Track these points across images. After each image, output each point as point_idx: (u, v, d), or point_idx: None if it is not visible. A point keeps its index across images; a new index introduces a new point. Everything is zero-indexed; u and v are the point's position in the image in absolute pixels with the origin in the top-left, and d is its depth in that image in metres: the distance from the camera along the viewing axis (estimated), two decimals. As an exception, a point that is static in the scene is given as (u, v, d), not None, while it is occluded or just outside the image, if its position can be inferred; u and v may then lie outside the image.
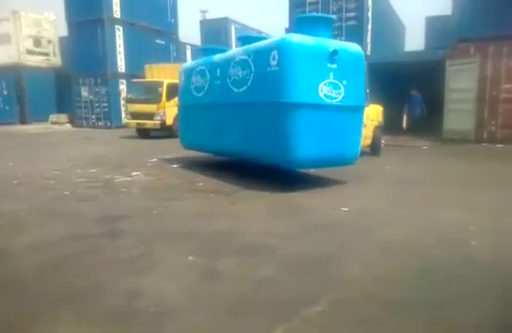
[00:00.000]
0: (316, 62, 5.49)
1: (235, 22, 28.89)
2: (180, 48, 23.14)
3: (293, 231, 4.08)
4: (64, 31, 21.13)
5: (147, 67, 16.43)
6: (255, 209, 4.98)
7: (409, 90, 14.82)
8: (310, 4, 14.43)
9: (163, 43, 21.41)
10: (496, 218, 4.46)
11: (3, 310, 2.62)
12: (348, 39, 13.66)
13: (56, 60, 23.70)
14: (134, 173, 7.33)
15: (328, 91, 5.58)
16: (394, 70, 13.30)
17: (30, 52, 22.39)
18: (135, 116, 14.49)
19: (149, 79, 15.83)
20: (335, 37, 13.76)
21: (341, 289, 2.87)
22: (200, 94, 7.53)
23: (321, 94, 5.52)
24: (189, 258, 3.40)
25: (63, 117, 22.04)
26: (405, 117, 15.41)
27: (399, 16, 21.54)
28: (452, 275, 3.08)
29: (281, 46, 5.51)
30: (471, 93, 11.16)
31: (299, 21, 6.12)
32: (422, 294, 2.78)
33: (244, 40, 7.21)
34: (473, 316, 2.51)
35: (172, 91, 14.07)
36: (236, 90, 6.41)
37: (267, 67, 5.67)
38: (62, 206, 5.12)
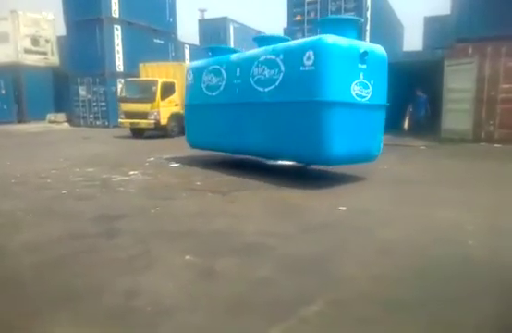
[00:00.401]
0: (349, 62, 5.74)
1: (233, 22, 28.89)
2: (179, 47, 23.08)
3: (291, 231, 4.08)
4: (62, 31, 21.12)
5: (141, 65, 16.18)
6: (253, 208, 4.97)
7: (415, 90, 14.66)
8: (308, 3, 14.40)
9: (161, 42, 21.36)
10: (494, 218, 4.45)
11: (1, 309, 2.61)
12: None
13: (54, 59, 23.67)
14: (132, 172, 7.31)
15: (359, 90, 5.84)
16: (393, 71, 13.27)
17: (28, 51, 22.35)
18: (128, 115, 14.16)
19: (143, 77, 15.60)
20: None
21: (339, 288, 2.86)
22: (213, 93, 7.55)
23: (353, 93, 5.77)
24: (187, 257, 3.39)
25: (61, 117, 22.01)
26: (406, 118, 15.23)
27: (398, 15, 21.54)
28: (450, 274, 3.08)
29: (317, 46, 5.69)
30: (469, 93, 11.16)
31: (325, 22, 6.45)
32: (420, 294, 2.78)
33: (260, 40, 7.42)
34: (471, 316, 2.51)
35: (166, 90, 13.99)
36: (261, 89, 6.53)
37: (300, 67, 5.84)
38: (59, 205, 5.11)
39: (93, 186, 6.21)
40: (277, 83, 6.24)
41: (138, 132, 14.48)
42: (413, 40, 26.75)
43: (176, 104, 14.44)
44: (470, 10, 11.41)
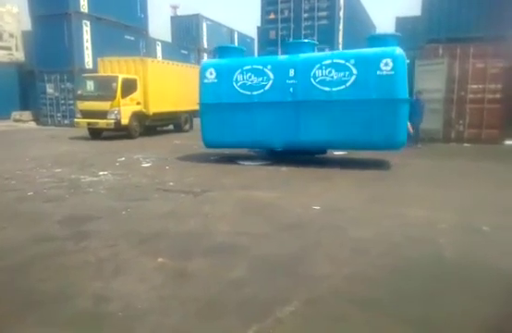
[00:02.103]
0: (406, 68, 7.38)
1: (206, 19, 28.65)
2: (150, 44, 22.70)
3: (265, 231, 4.05)
4: (28, 25, 20.37)
5: (99, 60, 14.90)
6: (226, 209, 4.91)
7: (414, 92, 12.37)
8: (282, 2, 14.38)
9: (132, 38, 20.92)
10: (463, 216, 4.56)
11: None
12: (320, 38, 13.89)
13: (19, 55, 22.83)
14: (101, 173, 7.12)
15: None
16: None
17: (-10, 46, 21.49)
18: (86, 114, 13.03)
19: (101, 73, 14.27)
20: (306, 36, 13.93)
21: (314, 288, 2.85)
22: (254, 92, 7.97)
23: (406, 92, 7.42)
24: (159, 260, 3.31)
25: (26, 115, 21.24)
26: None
27: (370, 15, 21.86)
28: (422, 273, 3.12)
29: (394, 55, 7.16)
30: (440, 93, 11.41)
31: (373, 39, 7.89)
32: (393, 292, 2.81)
33: (291, 45, 8.79)
34: (443, 313, 2.55)
35: (128, 87, 13.04)
36: (327, 89, 7.50)
37: (377, 71, 7.18)
38: (25, 207, 4.92)
39: (61, 187, 6.01)
40: (348, 84, 7.37)
41: (96, 133, 13.47)
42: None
43: (139, 103, 13.61)
44: (440, 12, 11.71)
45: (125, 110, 12.98)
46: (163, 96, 14.16)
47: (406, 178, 6.86)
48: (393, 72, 7.12)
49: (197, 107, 17.33)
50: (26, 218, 4.48)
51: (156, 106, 14.05)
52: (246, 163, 8.30)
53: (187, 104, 16.04)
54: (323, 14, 14.03)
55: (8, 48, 22.40)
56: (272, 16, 14.70)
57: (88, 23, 18.74)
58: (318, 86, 7.56)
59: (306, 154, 8.49)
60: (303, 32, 14.20)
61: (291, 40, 14.23)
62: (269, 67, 7.91)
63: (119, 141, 12.89)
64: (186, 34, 27.41)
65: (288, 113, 7.79)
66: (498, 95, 11.20)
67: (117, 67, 14.10)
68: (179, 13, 32.13)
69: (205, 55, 28.20)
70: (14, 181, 6.41)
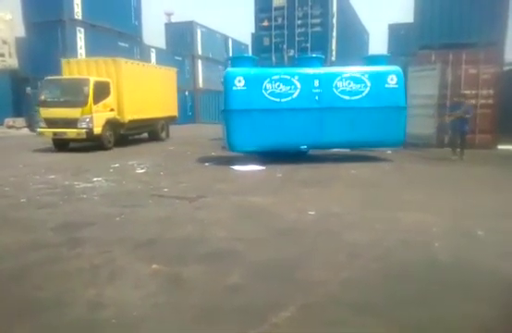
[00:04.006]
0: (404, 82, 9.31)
1: (200, 26, 28.77)
2: (144, 51, 22.74)
3: (260, 236, 4.04)
4: (21, 32, 20.32)
5: (64, 61, 12.85)
6: (221, 214, 4.89)
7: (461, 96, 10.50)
8: (275, 9, 14.48)
9: (126, 45, 20.94)
10: (456, 219, 4.58)
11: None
12: (314, 45, 14.01)
13: (13, 61, 22.73)
14: (95, 179, 7.08)
15: None
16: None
17: (-17, 52, 21.38)
18: (51, 123, 11.33)
19: (67, 76, 12.41)
20: (299, 43, 14.03)
21: (309, 293, 2.84)
22: (282, 100, 8.83)
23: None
24: (154, 266, 3.29)
25: (20, 121, 21.09)
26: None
27: (363, 22, 22.10)
28: (418, 277, 3.12)
29: (397, 72, 9.11)
30: (433, 99, 11.49)
31: (369, 58, 9.90)
32: (389, 297, 2.80)
33: (301, 59, 10.24)
34: (437, 315, 2.54)
35: (100, 91, 11.43)
36: (347, 97, 8.90)
37: (385, 84, 8.97)
38: (18, 214, 4.87)
39: (55, 193, 5.96)
40: (364, 94, 8.89)
41: (61, 144, 11.89)
42: (378, 46, 27.50)
43: (112, 109, 11.96)
44: (432, 18, 11.84)
45: (98, 118, 11.33)
46: (139, 102, 12.81)
47: (400, 183, 6.88)
48: (397, 86, 8.94)
49: (174, 113, 16.37)
50: (19, 225, 4.43)
51: (132, 113, 12.57)
52: (241, 168, 8.29)
53: (165, 110, 14.82)
54: (317, 21, 14.13)
55: (1, 55, 22.30)
56: (265, 23, 14.78)
57: (82, 30, 18.75)
58: (340, 95, 8.89)
59: (292, 155, 9.36)
60: (297, 39, 14.29)
61: (285, 46, 14.40)
62: (296, 77, 8.86)
63: (119, 147, 12.45)
64: (180, 41, 27.45)
65: (314, 118, 8.84)
66: (491, 101, 11.32)
67: (86, 70, 12.39)
68: (174, 20, 32.19)
69: (199, 62, 28.29)
70: (7, 188, 6.35)
